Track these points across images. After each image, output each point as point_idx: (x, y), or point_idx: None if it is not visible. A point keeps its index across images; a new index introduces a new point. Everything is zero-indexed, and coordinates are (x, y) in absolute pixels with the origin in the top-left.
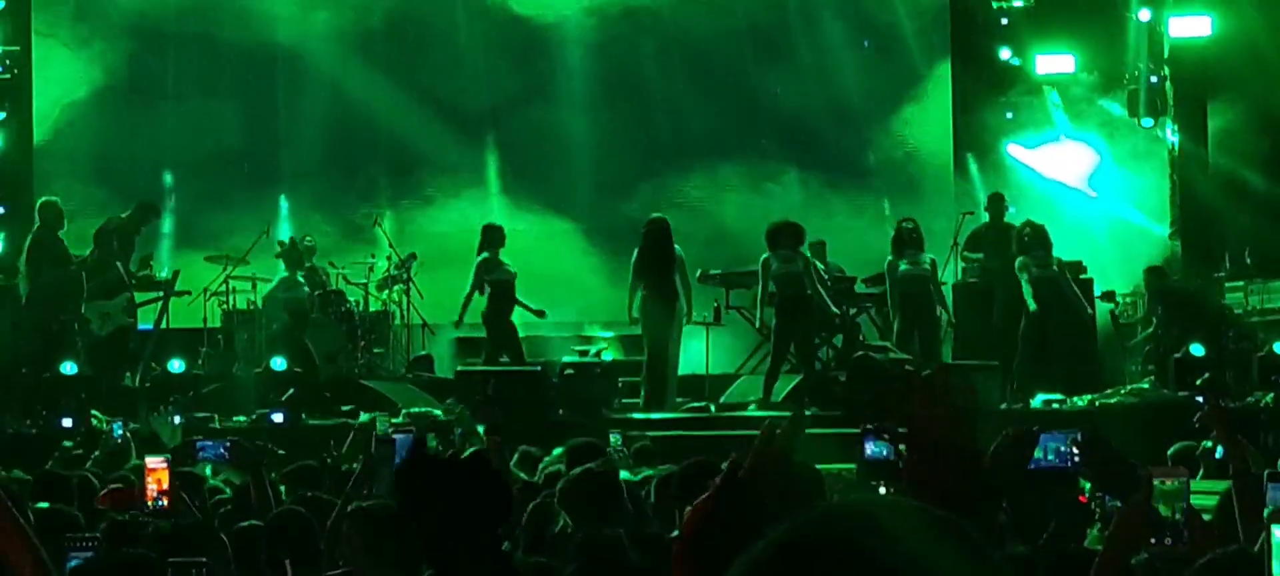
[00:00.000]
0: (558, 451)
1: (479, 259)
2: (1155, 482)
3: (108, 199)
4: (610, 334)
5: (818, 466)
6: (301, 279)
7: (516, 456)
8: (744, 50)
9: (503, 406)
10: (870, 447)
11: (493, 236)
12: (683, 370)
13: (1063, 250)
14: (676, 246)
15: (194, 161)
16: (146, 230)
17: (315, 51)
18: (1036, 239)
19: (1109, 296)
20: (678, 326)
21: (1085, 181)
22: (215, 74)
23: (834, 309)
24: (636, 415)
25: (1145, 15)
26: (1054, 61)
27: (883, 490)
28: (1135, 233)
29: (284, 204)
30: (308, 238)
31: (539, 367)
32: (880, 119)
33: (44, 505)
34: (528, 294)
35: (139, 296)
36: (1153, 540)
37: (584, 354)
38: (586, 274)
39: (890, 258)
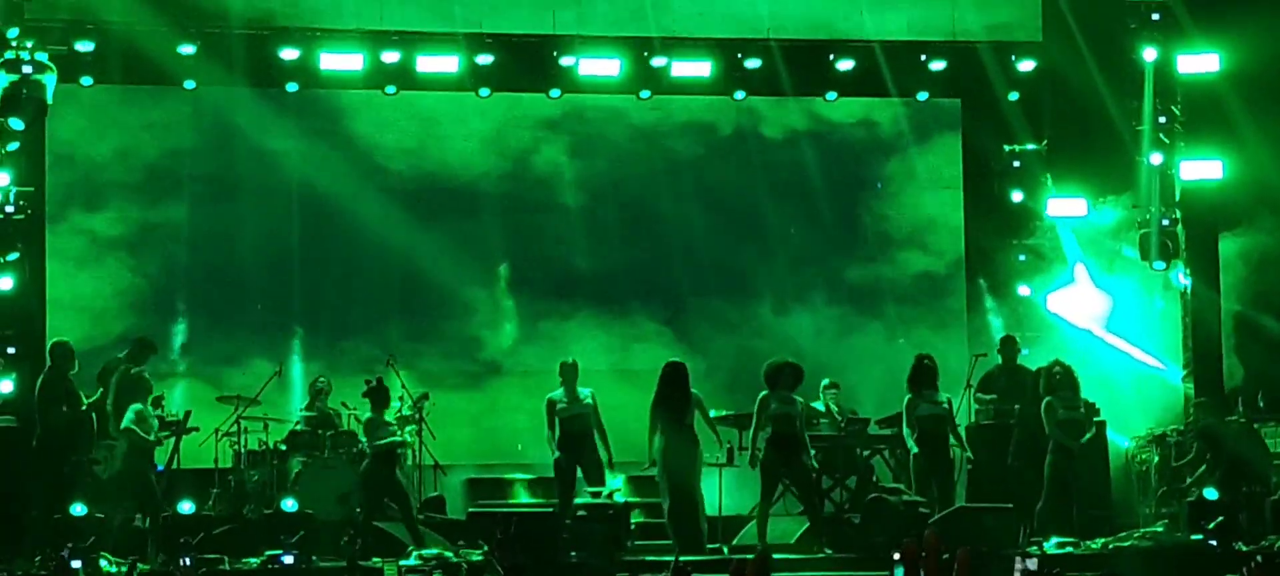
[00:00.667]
0: None
1: (547, 398)
2: None
3: (119, 341)
4: (624, 475)
5: None
6: (390, 418)
7: None
8: (759, 192)
9: (522, 546)
10: None
11: (563, 374)
12: None
13: None
14: (694, 389)
15: (207, 301)
16: (155, 370)
17: (329, 190)
18: (1065, 380)
19: (1160, 440)
20: (699, 468)
21: (1098, 324)
22: (229, 213)
23: (814, 465)
24: (650, 558)
25: (1157, 159)
26: (1066, 205)
27: None
28: (1149, 375)
29: (297, 344)
30: (321, 378)
31: (553, 509)
32: (893, 259)
33: None
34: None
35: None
36: None
37: (597, 495)
38: (602, 414)
39: (909, 395)
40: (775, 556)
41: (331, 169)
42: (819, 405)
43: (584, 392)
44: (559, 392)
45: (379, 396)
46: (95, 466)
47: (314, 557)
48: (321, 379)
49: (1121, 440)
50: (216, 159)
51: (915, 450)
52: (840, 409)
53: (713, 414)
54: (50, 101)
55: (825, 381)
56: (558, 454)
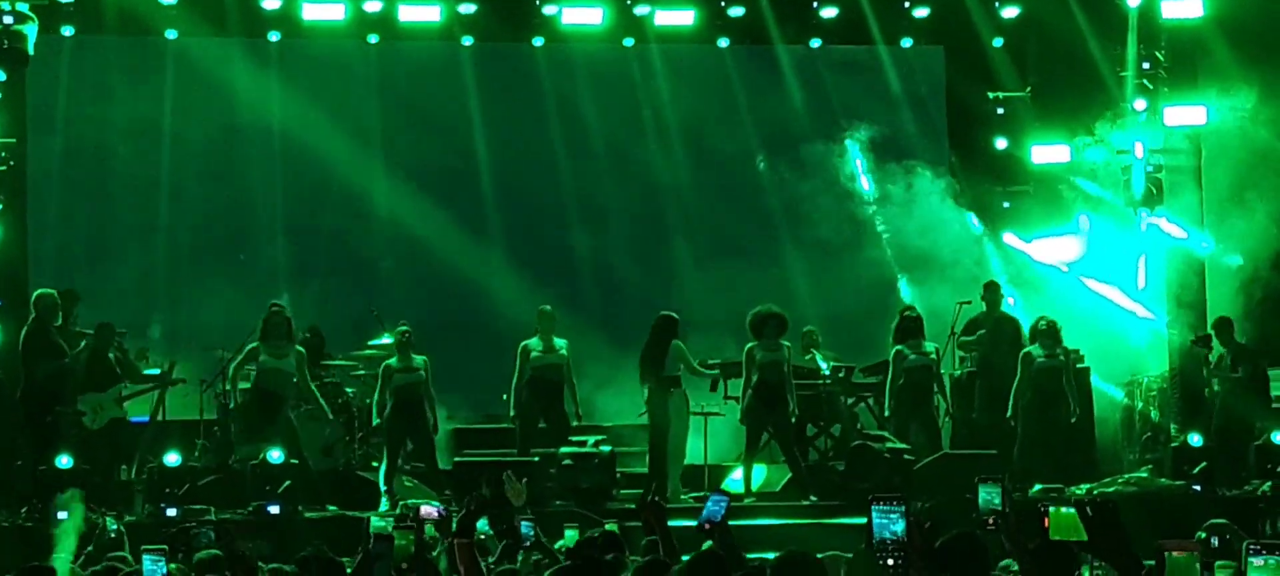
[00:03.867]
0: (571, 533)
1: (521, 345)
2: (1167, 555)
3: (103, 289)
4: (610, 425)
5: (818, 555)
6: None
7: None
8: (749, 141)
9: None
10: (878, 523)
11: (539, 322)
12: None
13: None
14: (676, 341)
15: (190, 252)
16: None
17: (315, 144)
18: (1049, 331)
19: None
20: (680, 420)
21: (1081, 270)
22: (213, 165)
23: (793, 408)
24: (634, 506)
25: (1141, 104)
26: (1050, 151)
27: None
28: (1134, 321)
29: (284, 296)
30: (307, 332)
31: (537, 459)
32: (879, 207)
33: None
34: None
35: (130, 387)
36: None
37: (583, 445)
38: (588, 367)
39: (897, 347)
40: (762, 504)
41: (317, 122)
42: (824, 366)
43: (560, 343)
44: (534, 340)
45: (405, 342)
46: (82, 418)
47: (299, 508)
48: (307, 333)
49: (1107, 387)
50: (199, 110)
51: (888, 413)
52: (824, 358)
53: (697, 362)
54: (31, 53)
55: (804, 328)
56: (519, 402)
